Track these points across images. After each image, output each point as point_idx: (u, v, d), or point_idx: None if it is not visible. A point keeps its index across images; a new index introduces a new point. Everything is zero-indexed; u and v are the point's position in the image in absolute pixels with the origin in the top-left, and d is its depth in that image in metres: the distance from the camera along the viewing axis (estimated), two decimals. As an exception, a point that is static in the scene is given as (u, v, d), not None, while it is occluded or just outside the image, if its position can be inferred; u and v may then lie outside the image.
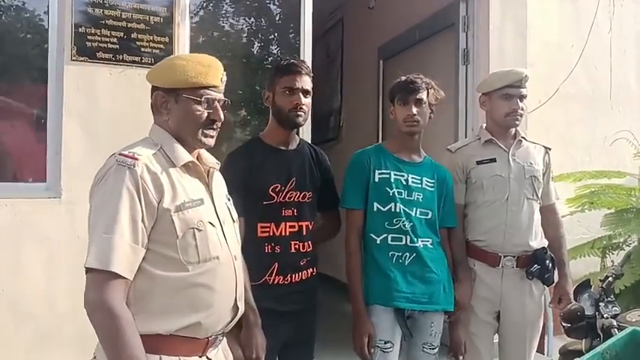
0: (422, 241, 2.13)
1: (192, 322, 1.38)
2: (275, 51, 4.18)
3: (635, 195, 3.84)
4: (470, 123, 3.74)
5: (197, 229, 1.40)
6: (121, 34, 2.89)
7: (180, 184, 1.41)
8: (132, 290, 1.33)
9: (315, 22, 3.48)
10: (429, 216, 2.17)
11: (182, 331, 1.37)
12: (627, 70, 4.38)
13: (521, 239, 2.32)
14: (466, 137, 3.49)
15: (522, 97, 2.37)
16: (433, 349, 2.16)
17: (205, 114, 1.47)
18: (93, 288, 1.28)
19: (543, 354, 3.17)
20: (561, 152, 3.81)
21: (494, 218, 2.33)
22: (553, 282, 2.39)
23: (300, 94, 2.01)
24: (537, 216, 2.39)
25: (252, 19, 4.07)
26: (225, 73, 1.51)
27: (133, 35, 2.91)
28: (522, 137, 2.45)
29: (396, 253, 2.10)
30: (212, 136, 1.50)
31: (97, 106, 2.84)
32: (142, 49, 2.93)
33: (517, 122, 2.39)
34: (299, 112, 2.01)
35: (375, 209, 2.13)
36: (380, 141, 3.58)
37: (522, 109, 2.37)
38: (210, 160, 1.57)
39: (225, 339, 1.55)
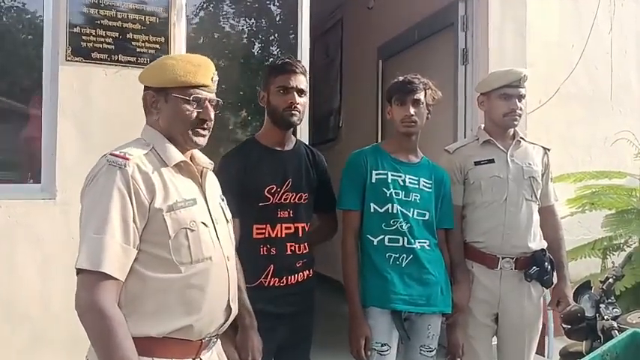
0: (419, 242, 2.11)
1: (185, 325, 1.36)
2: (274, 51, 4.17)
3: (636, 196, 3.83)
4: (469, 123, 3.72)
5: (189, 229, 1.38)
6: (117, 34, 2.87)
7: (173, 183, 1.40)
8: (123, 292, 1.32)
9: (314, 22, 3.47)
10: (427, 217, 2.15)
11: (175, 333, 1.35)
12: (628, 70, 4.37)
13: (519, 240, 2.30)
14: (465, 137, 3.47)
15: (521, 97, 2.35)
16: (431, 351, 2.14)
17: (195, 113, 1.45)
18: (84, 289, 1.27)
19: (544, 356, 3.15)
20: (562, 152, 3.81)
21: (492, 219, 2.30)
22: (552, 284, 2.37)
23: (295, 93, 1.99)
24: (536, 217, 2.37)
25: (250, 20, 4.06)
26: (216, 72, 1.50)
27: (128, 35, 2.89)
28: (521, 138, 2.43)
29: (393, 255, 2.09)
30: (203, 136, 1.49)
31: (92, 107, 2.82)
32: (138, 50, 2.91)
33: (515, 122, 2.36)
34: (293, 112, 1.99)
35: (372, 210, 2.11)
36: (379, 141, 3.56)
37: (521, 109, 2.35)
38: (204, 160, 1.56)
39: (219, 341, 1.54)
